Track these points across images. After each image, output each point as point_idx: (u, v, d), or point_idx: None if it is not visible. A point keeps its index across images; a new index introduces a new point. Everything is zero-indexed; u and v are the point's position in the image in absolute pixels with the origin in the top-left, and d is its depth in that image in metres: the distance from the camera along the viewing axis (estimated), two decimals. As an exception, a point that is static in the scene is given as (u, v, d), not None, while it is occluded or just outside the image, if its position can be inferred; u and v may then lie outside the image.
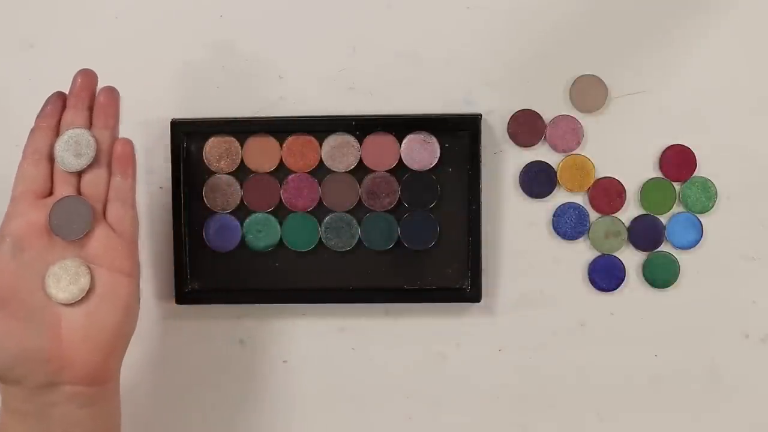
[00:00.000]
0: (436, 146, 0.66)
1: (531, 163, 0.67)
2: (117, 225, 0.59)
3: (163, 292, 0.69)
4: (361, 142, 0.67)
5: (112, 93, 0.60)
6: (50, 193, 0.59)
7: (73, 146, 0.59)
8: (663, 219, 0.67)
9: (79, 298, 0.57)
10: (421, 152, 0.66)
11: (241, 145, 0.67)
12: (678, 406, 0.68)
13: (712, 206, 0.67)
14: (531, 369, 0.68)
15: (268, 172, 0.67)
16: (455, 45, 0.67)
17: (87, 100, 0.60)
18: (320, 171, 0.67)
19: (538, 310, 0.68)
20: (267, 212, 0.67)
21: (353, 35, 0.67)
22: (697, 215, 0.67)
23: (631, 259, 0.67)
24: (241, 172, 0.67)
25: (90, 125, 0.60)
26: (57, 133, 0.59)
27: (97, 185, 0.59)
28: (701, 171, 0.67)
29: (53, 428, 0.56)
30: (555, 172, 0.67)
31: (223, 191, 0.67)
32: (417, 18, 0.67)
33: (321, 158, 0.67)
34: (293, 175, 0.67)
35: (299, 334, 0.69)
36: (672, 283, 0.67)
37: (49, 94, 0.60)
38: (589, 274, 0.67)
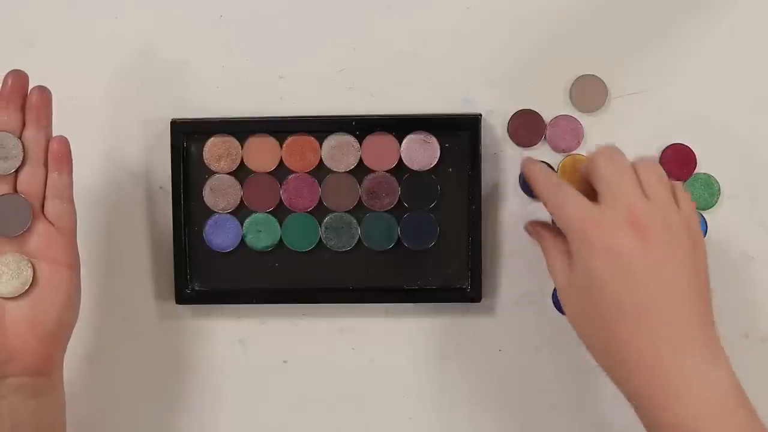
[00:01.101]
0: (436, 146, 0.66)
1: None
2: (56, 220, 0.60)
3: (163, 292, 0.69)
4: (361, 142, 0.67)
5: (43, 93, 0.60)
6: None
7: None
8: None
9: (22, 291, 0.58)
10: (421, 152, 0.66)
11: (241, 145, 0.67)
12: (678, 406, 0.68)
13: (716, 203, 0.67)
14: (531, 369, 0.68)
15: (268, 172, 0.67)
16: (455, 45, 0.67)
17: (18, 101, 0.60)
18: (320, 171, 0.67)
19: (538, 310, 0.68)
20: (267, 212, 0.67)
21: (353, 35, 0.68)
22: (701, 212, 0.67)
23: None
24: (241, 172, 0.67)
25: (23, 126, 0.60)
26: None
27: (34, 183, 0.60)
28: (701, 170, 0.67)
29: (1, 421, 0.57)
30: (555, 172, 0.67)
31: (223, 191, 0.67)
32: (417, 18, 0.67)
33: (321, 158, 0.67)
34: (293, 175, 0.67)
35: (299, 334, 0.69)
36: None
37: None
38: (554, 300, 0.68)
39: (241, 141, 0.67)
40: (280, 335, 0.69)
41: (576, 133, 0.67)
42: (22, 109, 0.60)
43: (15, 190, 0.60)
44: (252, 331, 0.69)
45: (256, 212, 0.67)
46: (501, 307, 0.68)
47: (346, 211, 0.67)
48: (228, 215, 0.67)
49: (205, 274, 0.68)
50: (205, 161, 0.67)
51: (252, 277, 0.68)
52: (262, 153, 0.67)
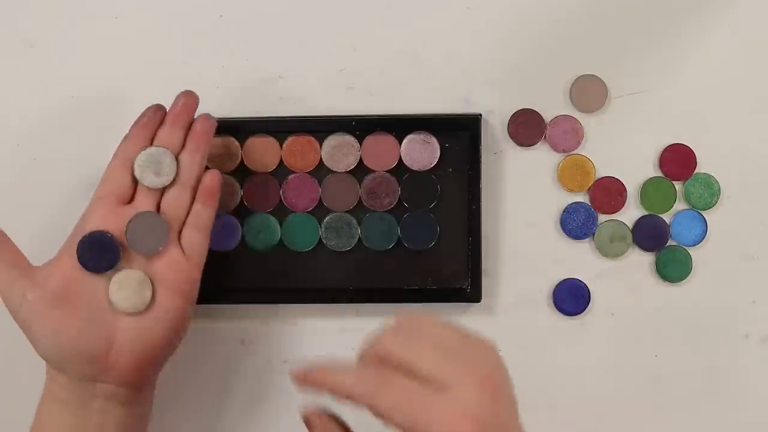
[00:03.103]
0: (436, 146, 0.66)
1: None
2: (188, 249, 0.61)
3: (163, 292, 0.69)
4: (361, 142, 0.67)
5: (208, 121, 0.62)
6: (131, 200, 0.61)
7: (154, 165, 0.60)
8: (664, 218, 0.67)
9: (139, 310, 0.59)
10: (421, 152, 0.66)
11: (241, 145, 0.67)
12: (678, 406, 0.68)
13: (716, 203, 0.67)
14: (531, 369, 0.68)
15: (268, 172, 0.67)
16: (455, 45, 0.67)
17: (185, 122, 0.62)
18: (320, 171, 0.67)
19: (538, 310, 0.68)
20: (267, 212, 0.67)
21: (353, 35, 0.68)
22: (701, 212, 0.67)
23: (639, 258, 0.67)
24: (241, 172, 0.67)
25: (183, 146, 0.61)
26: (148, 144, 0.61)
27: (178, 206, 0.61)
28: (701, 170, 0.67)
29: (91, 418, 0.59)
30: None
31: (223, 191, 0.67)
32: (417, 18, 0.67)
33: (321, 158, 0.67)
34: (293, 175, 0.67)
35: (299, 334, 0.69)
36: (685, 278, 0.67)
37: (150, 105, 0.62)
38: (554, 299, 0.67)
39: (241, 141, 0.67)
40: (280, 335, 0.69)
41: (576, 133, 0.67)
42: (186, 129, 0.62)
43: (158, 207, 0.61)
44: (252, 331, 0.69)
45: (256, 212, 0.67)
46: (501, 307, 0.68)
47: (346, 211, 0.67)
48: (228, 215, 0.67)
49: (205, 274, 0.68)
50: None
51: (252, 277, 0.68)
52: (262, 153, 0.67)
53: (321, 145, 0.67)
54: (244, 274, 0.68)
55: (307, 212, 0.67)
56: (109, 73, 0.68)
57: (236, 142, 0.67)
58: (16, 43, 0.68)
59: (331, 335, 0.69)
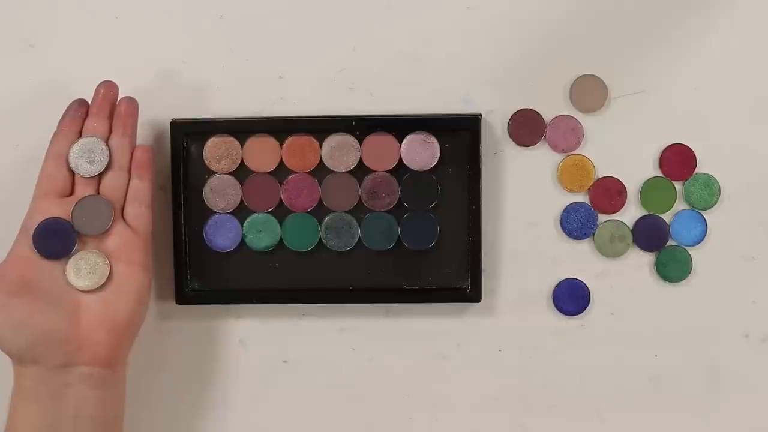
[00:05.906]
0: (436, 146, 0.66)
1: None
2: (134, 222, 0.63)
3: (163, 292, 0.69)
4: (361, 142, 0.67)
5: (131, 104, 0.64)
6: (71, 193, 0.63)
7: (87, 154, 0.63)
8: (664, 218, 0.67)
9: (98, 285, 0.62)
10: (421, 152, 0.66)
11: (241, 145, 0.67)
12: (678, 406, 0.68)
13: (715, 203, 0.67)
14: (531, 369, 0.68)
15: (268, 172, 0.67)
16: (455, 45, 0.67)
17: (107, 110, 0.64)
18: (320, 171, 0.67)
19: (538, 310, 0.68)
20: (267, 212, 0.67)
21: (353, 35, 0.68)
22: (701, 212, 0.67)
23: (639, 258, 0.67)
24: (241, 172, 0.67)
25: (110, 132, 0.64)
26: (78, 137, 0.63)
27: (117, 187, 0.64)
28: (701, 170, 0.67)
29: (66, 409, 0.60)
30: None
31: (223, 191, 0.67)
32: (417, 18, 0.67)
33: (321, 158, 0.67)
34: (293, 175, 0.67)
35: (299, 334, 0.69)
36: (685, 278, 0.67)
37: (72, 101, 0.64)
38: (554, 299, 0.67)
39: (241, 141, 0.67)
40: (280, 335, 0.69)
41: (576, 133, 0.67)
42: (110, 116, 0.64)
43: (98, 193, 0.63)
44: (252, 331, 0.69)
45: (256, 212, 0.67)
46: (501, 307, 0.68)
47: (346, 211, 0.67)
48: (228, 215, 0.67)
49: (205, 274, 0.68)
50: (205, 161, 0.67)
51: (252, 277, 0.68)
52: (262, 153, 0.67)
53: (321, 145, 0.67)
54: (244, 274, 0.68)
55: (307, 212, 0.67)
56: (110, 73, 0.68)
57: (236, 142, 0.67)
58: (16, 43, 0.68)
59: (331, 335, 0.69)
